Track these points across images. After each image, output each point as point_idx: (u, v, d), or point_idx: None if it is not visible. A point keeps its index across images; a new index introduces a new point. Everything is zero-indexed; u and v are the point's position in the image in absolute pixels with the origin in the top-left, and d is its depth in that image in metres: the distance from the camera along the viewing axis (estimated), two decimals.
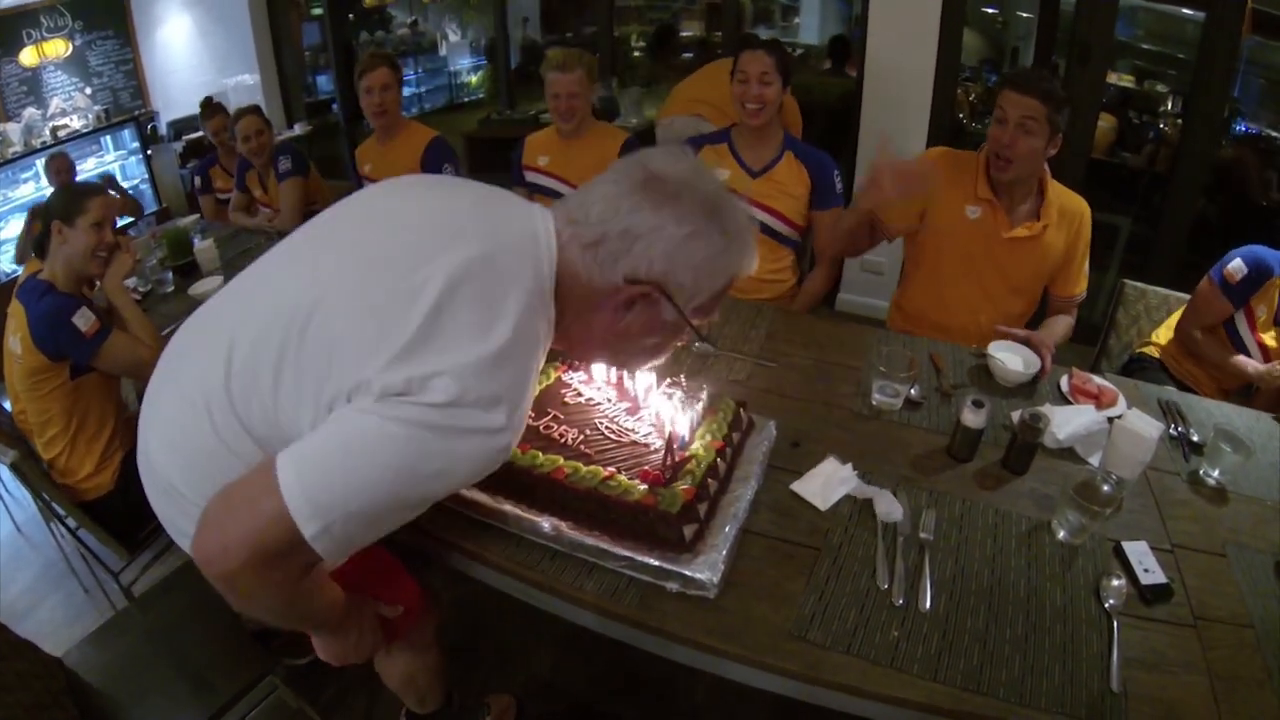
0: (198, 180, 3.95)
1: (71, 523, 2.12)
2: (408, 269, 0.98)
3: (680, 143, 2.23)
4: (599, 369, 1.64)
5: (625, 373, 1.55)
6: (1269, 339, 2.24)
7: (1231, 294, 2.28)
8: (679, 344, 1.21)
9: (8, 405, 2.49)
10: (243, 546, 0.90)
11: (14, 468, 1.92)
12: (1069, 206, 2.13)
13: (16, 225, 4.80)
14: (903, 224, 2.25)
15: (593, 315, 1.09)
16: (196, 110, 4.06)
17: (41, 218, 2.12)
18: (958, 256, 2.19)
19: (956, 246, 2.18)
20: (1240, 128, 3.73)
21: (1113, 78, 3.97)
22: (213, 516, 0.93)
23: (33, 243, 2.19)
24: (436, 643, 1.69)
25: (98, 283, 2.20)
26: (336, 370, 0.96)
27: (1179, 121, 3.74)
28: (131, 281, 2.26)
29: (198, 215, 3.48)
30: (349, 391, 0.94)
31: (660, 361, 1.23)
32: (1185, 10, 3.95)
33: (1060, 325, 2.17)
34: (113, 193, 3.27)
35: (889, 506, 1.44)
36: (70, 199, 2.10)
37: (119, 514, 2.10)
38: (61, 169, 3.94)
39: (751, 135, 2.48)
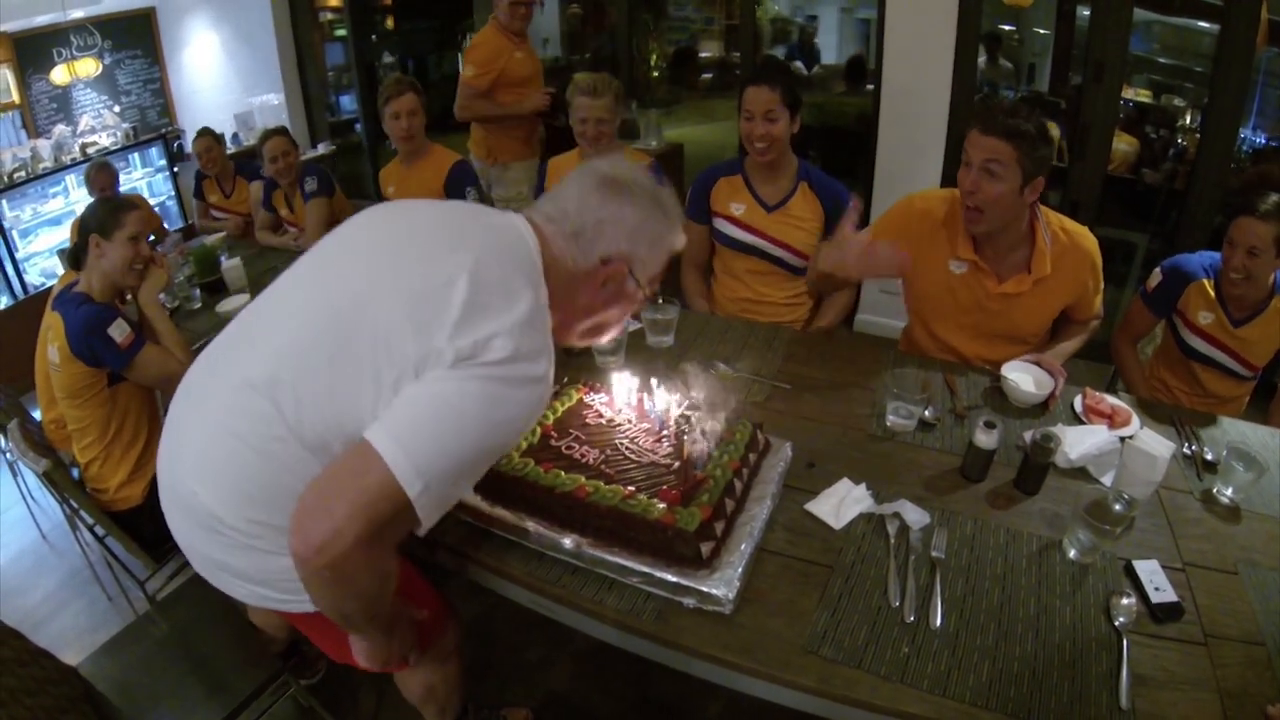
0: (193, 183, 4.26)
1: (100, 530, 2.17)
2: (433, 262, 1.13)
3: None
4: (620, 391, 1.67)
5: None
6: (1246, 334, 2.18)
7: (1152, 303, 2.32)
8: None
9: (39, 415, 2.56)
10: (354, 521, 0.99)
11: (46, 476, 1.98)
12: (1072, 249, 2.00)
13: (47, 238, 4.92)
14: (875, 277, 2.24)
15: (577, 292, 1.29)
16: (223, 129, 4.21)
17: (79, 231, 2.18)
18: (948, 310, 2.13)
19: (946, 301, 2.12)
20: (1260, 140, 3.72)
21: (1129, 93, 3.98)
22: (314, 505, 1.02)
23: (69, 255, 2.25)
24: (457, 653, 1.73)
25: (130, 295, 2.26)
26: (397, 352, 1.07)
27: (1197, 136, 3.73)
28: (161, 297, 2.32)
29: (224, 234, 3.55)
30: (416, 366, 1.06)
31: (621, 329, 1.48)
32: (1201, 23, 3.96)
33: (1073, 344, 2.13)
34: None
35: (916, 515, 1.48)
36: (108, 213, 2.16)
37: (147, 526, 2.14)
38: (105, 184, 4.03)
39: (765, 168, 2.45)
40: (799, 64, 5.93)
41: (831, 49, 6.19)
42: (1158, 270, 2.31)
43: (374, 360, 1.08)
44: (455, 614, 1.70)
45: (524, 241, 1.22)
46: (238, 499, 1.15)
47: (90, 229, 2.13)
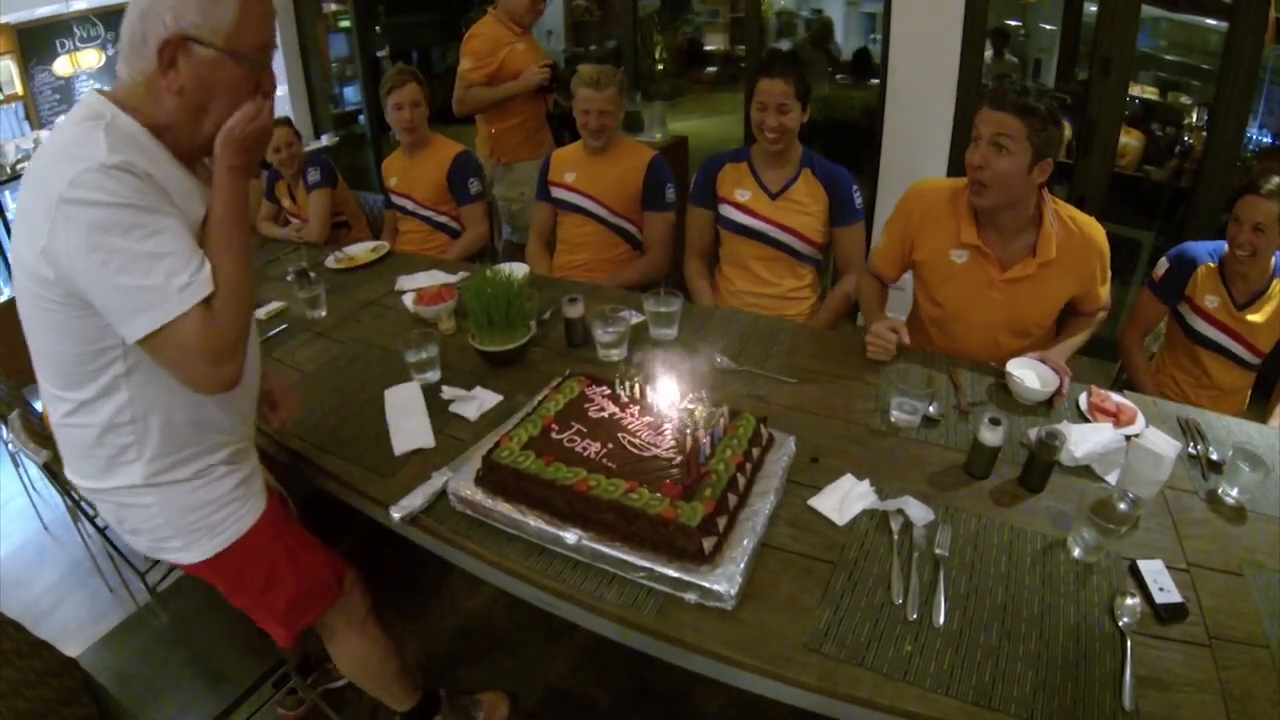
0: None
1: (101, 521, 2.17)
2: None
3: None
4: (662, 400, 1.67)
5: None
6: (1253, 317, 2.24)
7: (1160, 291, 2.36)
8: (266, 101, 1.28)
9: (39, 406, 2.55)
10: (202, 360, 1.19)
11: (46, 468, 1.98)
12: (1080, 237, 1.99)
13: None
14: (894, 274, 2.28)
15: (159, 101, 1.20)
16: None
17: None
18: (952, 297, 2.13)
19: (950, 290, 2.13)
20: (1266, 138, 3.71)
21: (1136, 89, 3.97)
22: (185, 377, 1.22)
23: None
24: (372, 618, 1.77)
25: None
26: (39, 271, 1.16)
27: (1204, 133, 3.72)
28: None
29: None
30: (48, 260, 1.13)
31: (258, 123, 1.26)
32: (1208, 20, 3.94)
33: (1080, 338, 2.12)
34: None
35: (920, 511, 1.47)
36: None
37: None
38: None
39: (770, 156, 2.50)
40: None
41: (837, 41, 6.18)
42: (1163, 259, 2.36)
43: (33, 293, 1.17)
44: (355, 575, 1.74)
45: (84, 109, 1.19)
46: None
47: None
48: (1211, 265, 2.28)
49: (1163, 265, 2.36)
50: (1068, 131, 3.76)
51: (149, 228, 1.12)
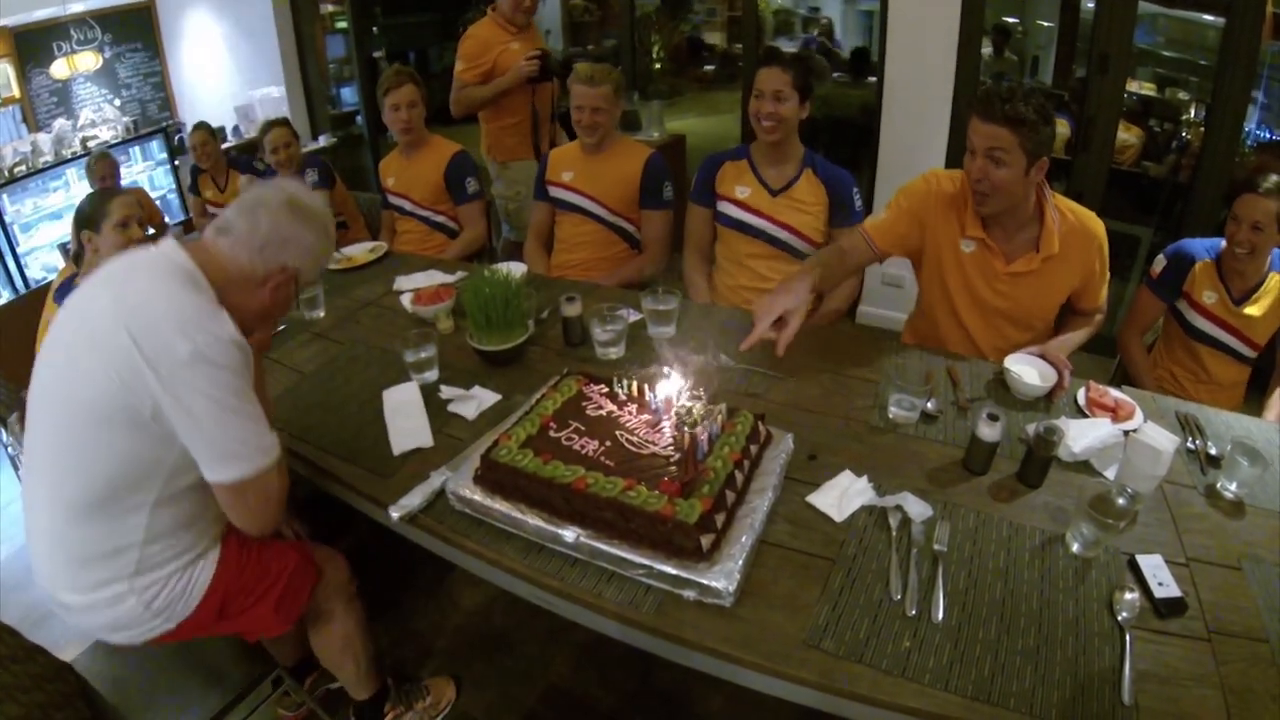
0: (189, 179, 4.34)
1: None
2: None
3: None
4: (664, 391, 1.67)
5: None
6: (1250, 311, 2.25)
7: (1158, 288, 2.38)
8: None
9: None
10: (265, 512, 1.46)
11: None
12: (1080, 229, 2.00)
13: (48, 232, 4.92)
14: (895, 250, 2.19)
15: (253, 293, 1.48)
16: (223, 122, 4.19)
17: (74, 231, 2.17)
18: (959, 288, 2.13)
19: (957, 280, 2.13)
20: (1265, 134, 3.71)
21: (1134, 85, 3.97)
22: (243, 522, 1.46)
23: (72, 254, 2.25)
24: (360, 595, 1.85)
25: None
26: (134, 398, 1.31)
27: (1202, 129, 3.72)
28: None
29: None
30: (154, 403, 1.30)
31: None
32: (1206, 16, 3.94)
33: (1078, 336, 2.13)
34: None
35: (918, 507, 1.47)
36: (93, 207, 2.15)
37: None
38: (106, 173, 4.03)
39: (770, 152, 2.49)
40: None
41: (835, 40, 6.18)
42: (1161, 256, 2.37)
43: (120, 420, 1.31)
44: (327, 551, 1.79)
45: (176, 270, 1.38)
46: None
47: (81, 226, 2.12)
48: (1209, 261, 2.29)
49: (1160, 262, 2.37)
50: (1065, 127, 3.77)
51: (248, 394, 1.37)
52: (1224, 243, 2.23)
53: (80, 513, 1.36)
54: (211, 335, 1.30)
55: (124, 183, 5.21)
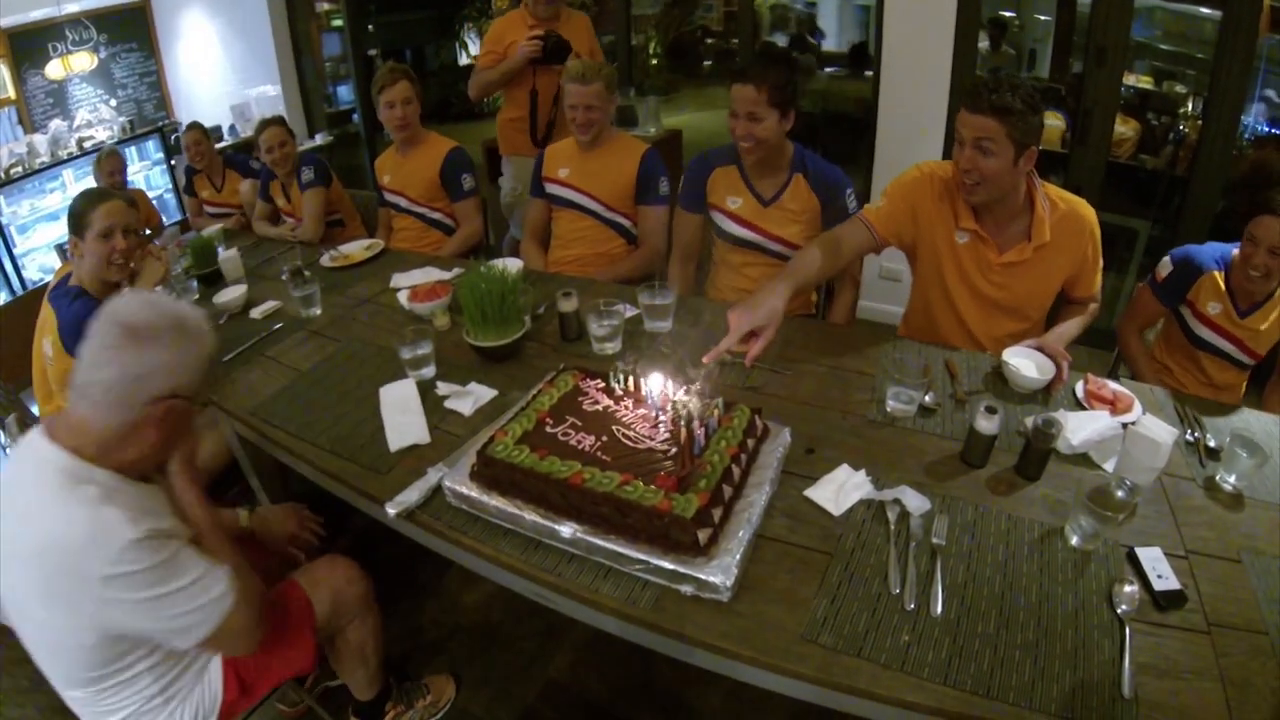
0: (184, 179, 4.26)
1: None
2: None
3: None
4: (655, 386, 1.66)
5: (667, 396, 1.58)
6: (1255, 325, 2.22)
7: (1161, 292, 2.33)
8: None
9: (36, 409, 2.55)
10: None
11: None
12: (1072, 216, 2.00)
13: (44, 233, 4.91)
14: (893, 239, 2.16)
15: (137, 440, 1.32)
16: (219, 121, 4.18)
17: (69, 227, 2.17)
18: (955, 279, 2.13)
19: (952, 271, 2.13)
20: (1262, 127, 3.70)
21: (1131, 79, 3.96)
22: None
23: (65, 253, 2.25)
24: (377, 604, 1.85)
25: (128, 286, 2.24)
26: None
27: (1199, 122, 3.71)
28: (159, 289, 2.31)
29: (221, 225, 3.53)
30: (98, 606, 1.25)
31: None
32: (1203, 9, 3.93)
33: (1073, 327, 2.11)
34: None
35: (916, 501, 1.47)
36: (77, 213, 2.14)
37: None
38: (114, 170, 4.02)
39: (757, 164, 2.42)
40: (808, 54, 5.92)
41: (832, 35, 6.16)
42: (1167, 260, 2.31)
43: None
44: (349, 565, 1.79)
45: (54, 473, 1.27)
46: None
47: (70, 229, 2.11)
48: (1217, 274, 2.23)
49: (1166, 266, 2.30)
50: (1059, 120, 3.77)
51: (176, 566, 1.28)
52: (1234, 253, 2.18)
53: (78, 685, 1.39)
54: (112, 551, 1.20)
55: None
